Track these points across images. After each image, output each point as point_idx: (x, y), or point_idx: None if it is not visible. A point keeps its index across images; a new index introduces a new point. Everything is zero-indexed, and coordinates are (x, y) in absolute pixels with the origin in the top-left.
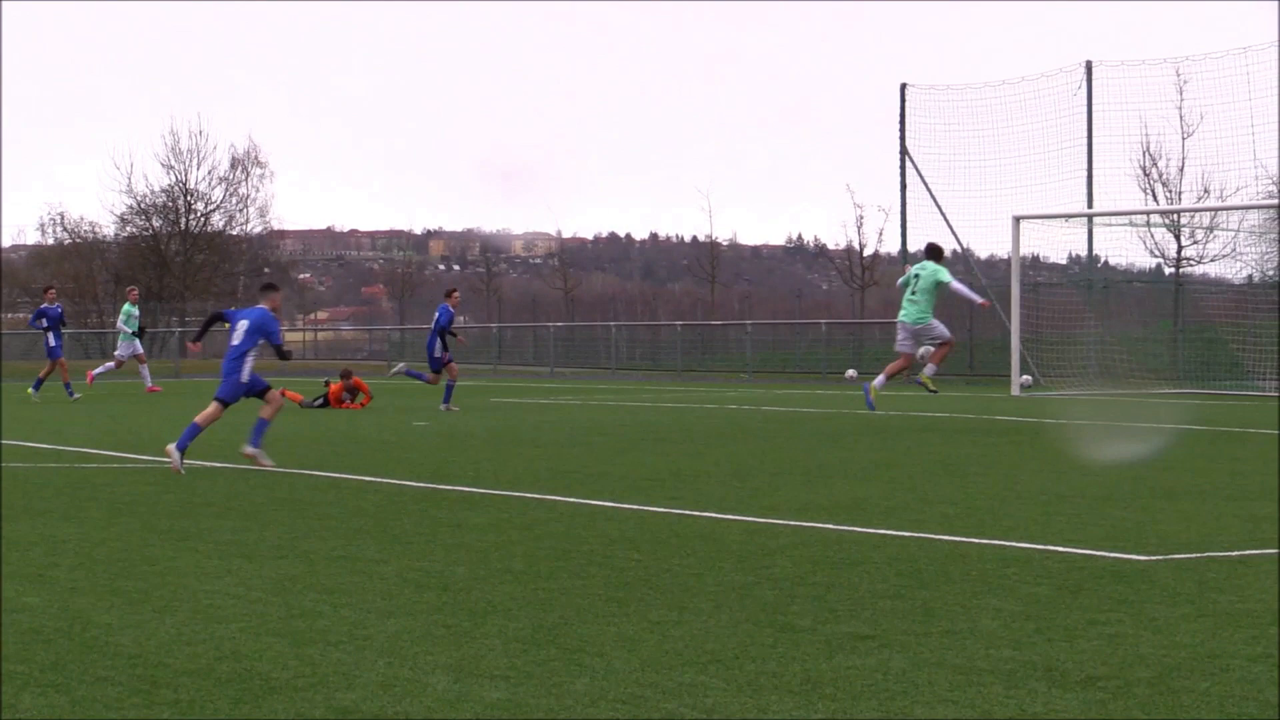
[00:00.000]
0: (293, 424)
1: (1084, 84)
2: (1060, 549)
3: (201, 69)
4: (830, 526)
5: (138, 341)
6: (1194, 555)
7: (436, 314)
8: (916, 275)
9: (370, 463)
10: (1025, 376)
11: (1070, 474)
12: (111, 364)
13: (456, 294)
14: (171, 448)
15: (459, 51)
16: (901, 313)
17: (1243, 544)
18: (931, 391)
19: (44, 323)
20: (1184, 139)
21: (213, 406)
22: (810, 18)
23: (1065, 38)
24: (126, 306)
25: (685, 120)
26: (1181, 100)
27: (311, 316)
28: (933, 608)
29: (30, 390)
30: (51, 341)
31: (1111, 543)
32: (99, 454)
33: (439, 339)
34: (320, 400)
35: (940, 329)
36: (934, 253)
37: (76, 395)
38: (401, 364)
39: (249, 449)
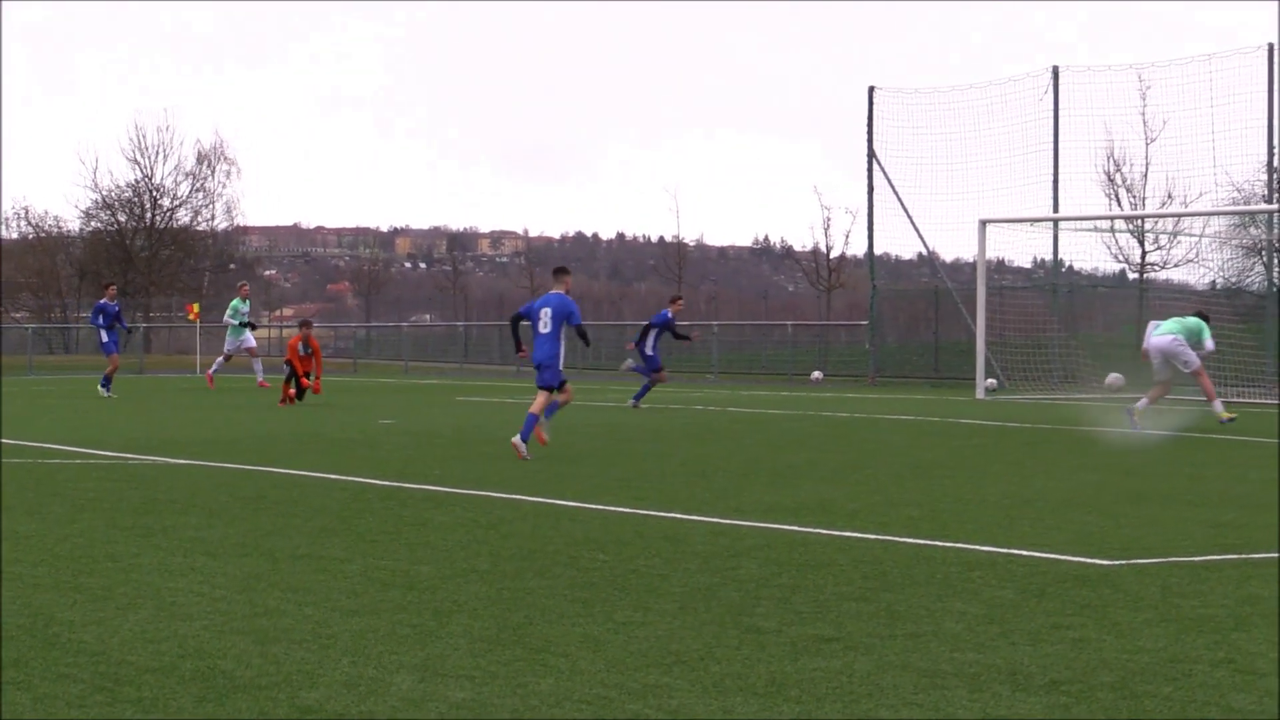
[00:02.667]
0: (258, 421)
1: (1050, 89)
2: (1024, 553)
3: (169, 64)
4: (796, 528)
5: (248, 334)
6: (1157, 560)
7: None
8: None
9: (335, 460)
10: (990, 380)
11: (1035, 478)
12: (221, 359)
13: (681, 301)
14: (515, 439)
15: (427, 47)
16: (1157, 329)
17: (1206, 549)
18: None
19: (102, 319)
20: (1148, 144)
21: (541, 395)
22: (779, 19)
23: (1032, 43)
24: (235, 302)
25: (653, 120)
26: (1145, 106)
27: (277, 313)
28: (897, 610)
29: (100, 389)
30: (105, 338)
31: (1075, 547)
32: (62, 450)
33: (653, 339)
34: (288, 374)
35: (1194, 359)
36: (1204, 316)
37: (113, 395)
38: (629, 360)
39: (516, 439)
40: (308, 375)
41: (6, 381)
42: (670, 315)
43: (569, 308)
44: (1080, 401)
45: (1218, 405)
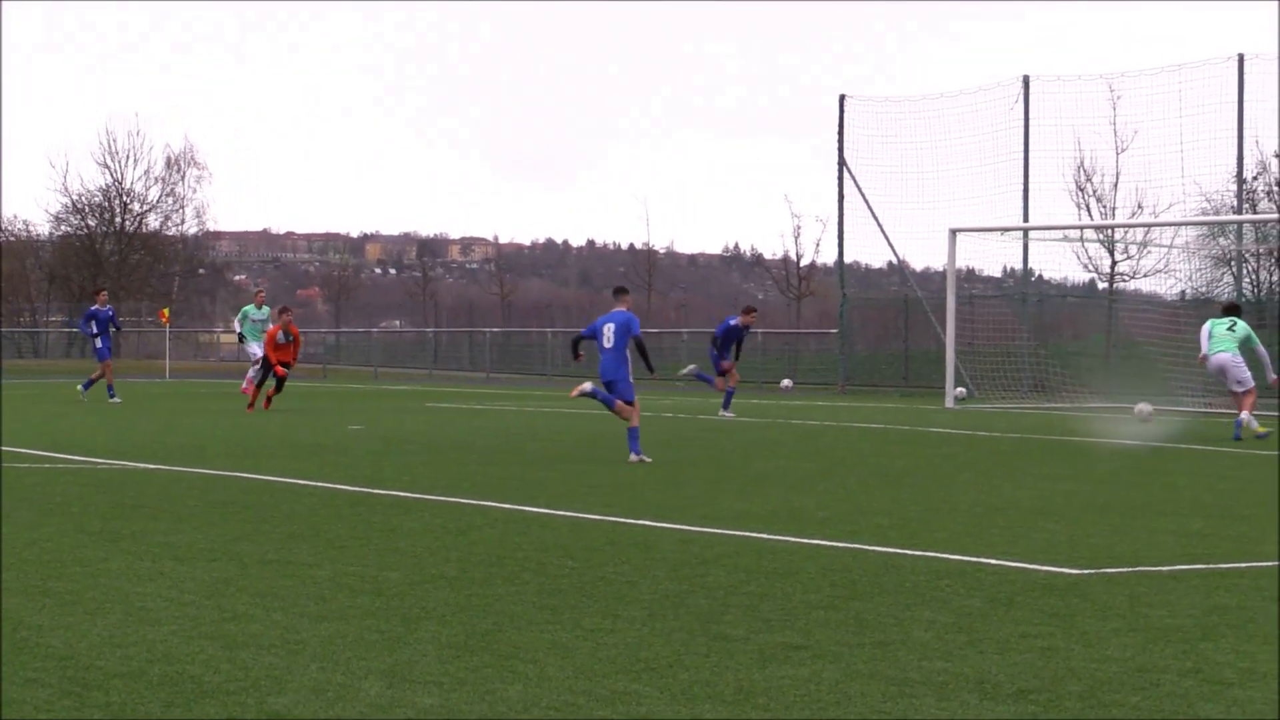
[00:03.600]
0: (227, 426)
1: (1020, 98)
2: (993, 561)
3: (139, 68)
4: (765, 536)
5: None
6: (1126, 569)
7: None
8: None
9: (304, 466)
10: (960, 389)
11: (1003, 486)
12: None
13: (755, 313)
14: (632, 457)
15: (398, 53)
16: (1215, 345)
17: (1174, 559)
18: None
19: (94, 326)
20: (1118, 154)
21: (621, 405)
22: (750, 26)
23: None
24: (249, 308)
25: (624, 126)
26: (1115, 115)
27: None
28: (866, 619)
29: (80, 389)
30: (99, 344)
31: (1044, 556)
32: (30, 454)
33: (724, 346)
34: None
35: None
36: (1236, 309)
37: (117, 398)
38: (693, 365)
39: (634, 459)
40: (285, 365)
41: None
42: (735, 323)
43: (631, 322)
44: (1050, 410)
45: (1252, 420)
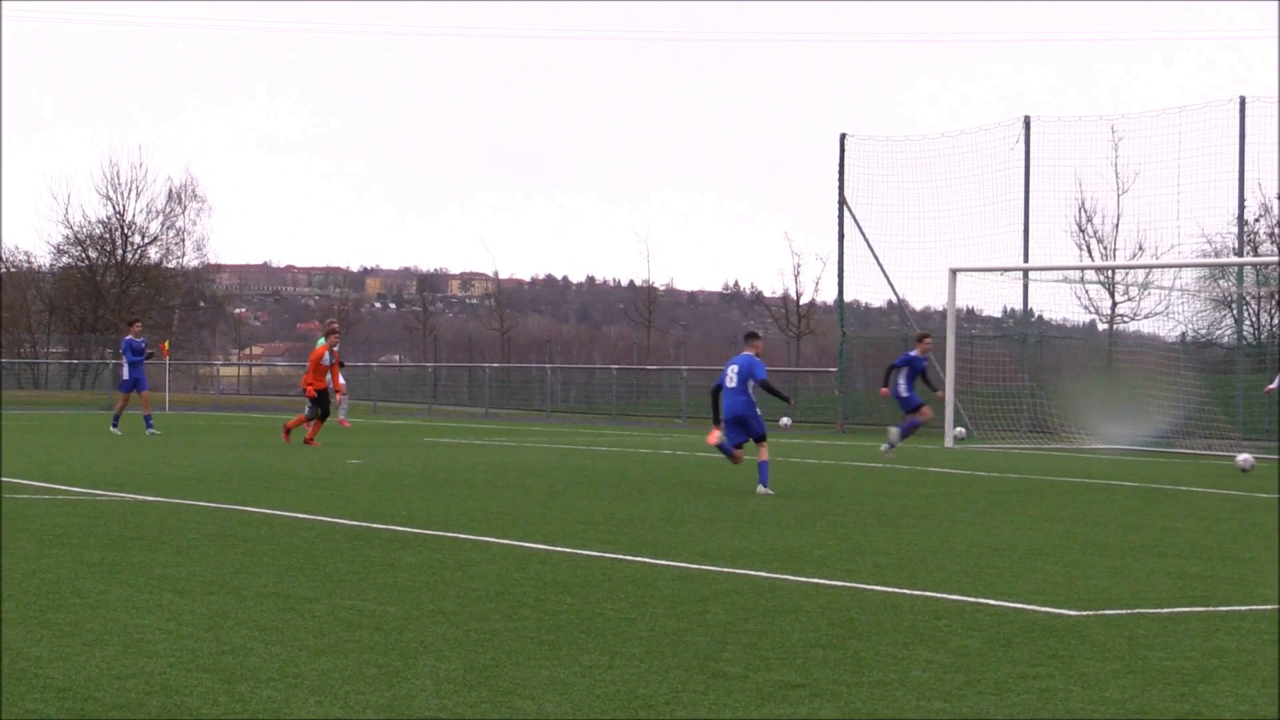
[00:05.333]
0: (226, 458)
1: (1022, 138)
2: (991, 602)
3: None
4: (763, 574)
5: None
6: (1124, 611)
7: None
8: None
9: (303, 500)
10: (959, 429)
11: (1002, 527)
12: (342, 400)
13: (929, 340)
14: (760, 489)
15: (401, 92)
16: None
17: (1173, 601)
18: None
19: (130, 354)
20: (1119, 195)
21: (715, 434)
22: (752, 65)
23: (1004, 93)
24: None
25: (624, 164)
26: (1116, 157)
27: (246, 351)
28: (864, 658)
29: (150, 430)
30: (125, 375)
31: (1043, 597)
32: (30, 485)
33: (905, 380)
34: (314, 399)
35: None
36: None
37: (118, 430)
38: (892, 434)
39: (761, 488)
40: (321, 391)
41: None
42: (915, 355)
43: (755, 366)
44: (1049, 451)
45: None
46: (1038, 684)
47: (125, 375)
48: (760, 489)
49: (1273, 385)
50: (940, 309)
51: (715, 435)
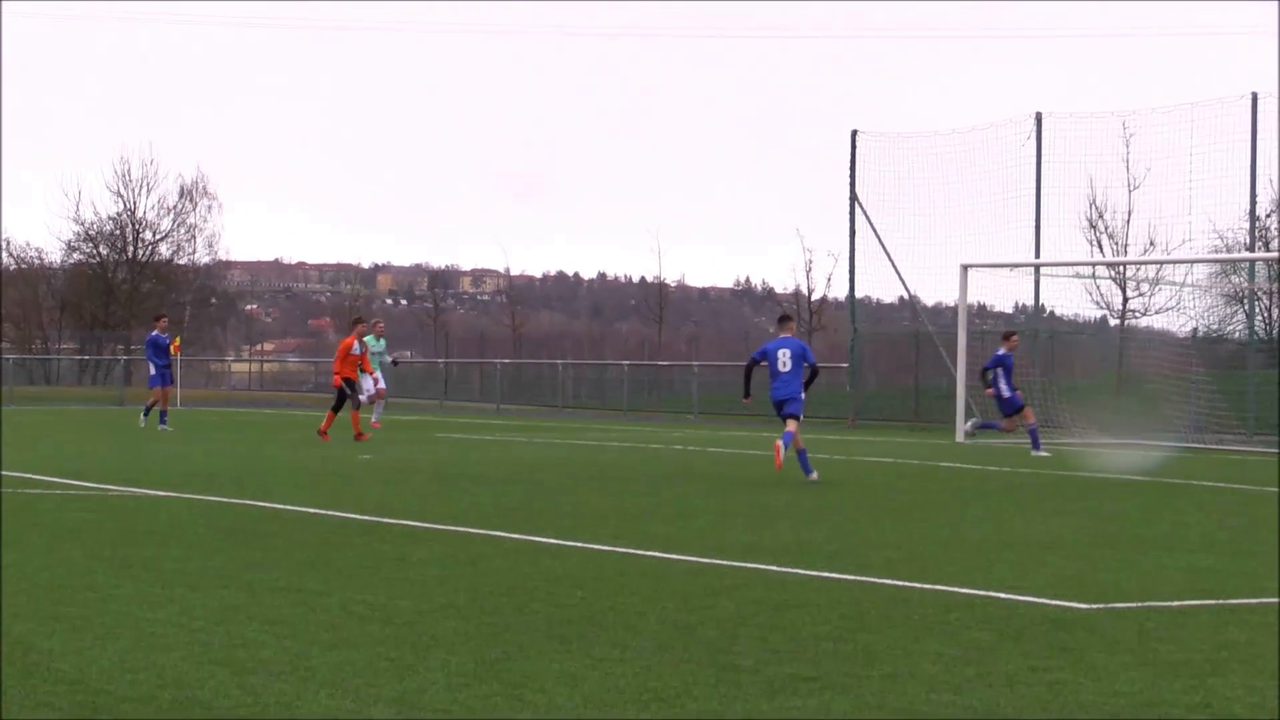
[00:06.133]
0: (238, 454)
1: (1033, 134)
2: (1002, 595)
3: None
4: (774, 568)
5: (380, 375)
6: (1135, 604)
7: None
8: None
9: (314, 495)
10: (970, 423)
11: (1013, 521)
12: (378, 401)
13: (1016, 338)
14: (812, 477)
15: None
16: None
17: (1183, 594)
18: None
19: (153, 352)
20: (1130, 191)
21: (792, 424)
22: (763, 61)
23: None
24: (369, 339)
25: (636, 160)
26: (1128, 153)
27: (258, 347)
28: (875, 651)
29: (141, 419)
30: (153, 370)
31: (1053, 590)
32: (42, 480)
33: (1004, 379)
34: (343, 390)
35: None
36: None
37: (168, 428)
38: (974, 419)
39: (812, 477)
40: (349, 382)
41: None
42: (1003, 353)
43: (806, 349)
44: (1060, 446)
45: None
46: (1048, 677)
47: (153, 370)
48: (813, 475)
49: None
50: (952, 305)
51: (793, 426)
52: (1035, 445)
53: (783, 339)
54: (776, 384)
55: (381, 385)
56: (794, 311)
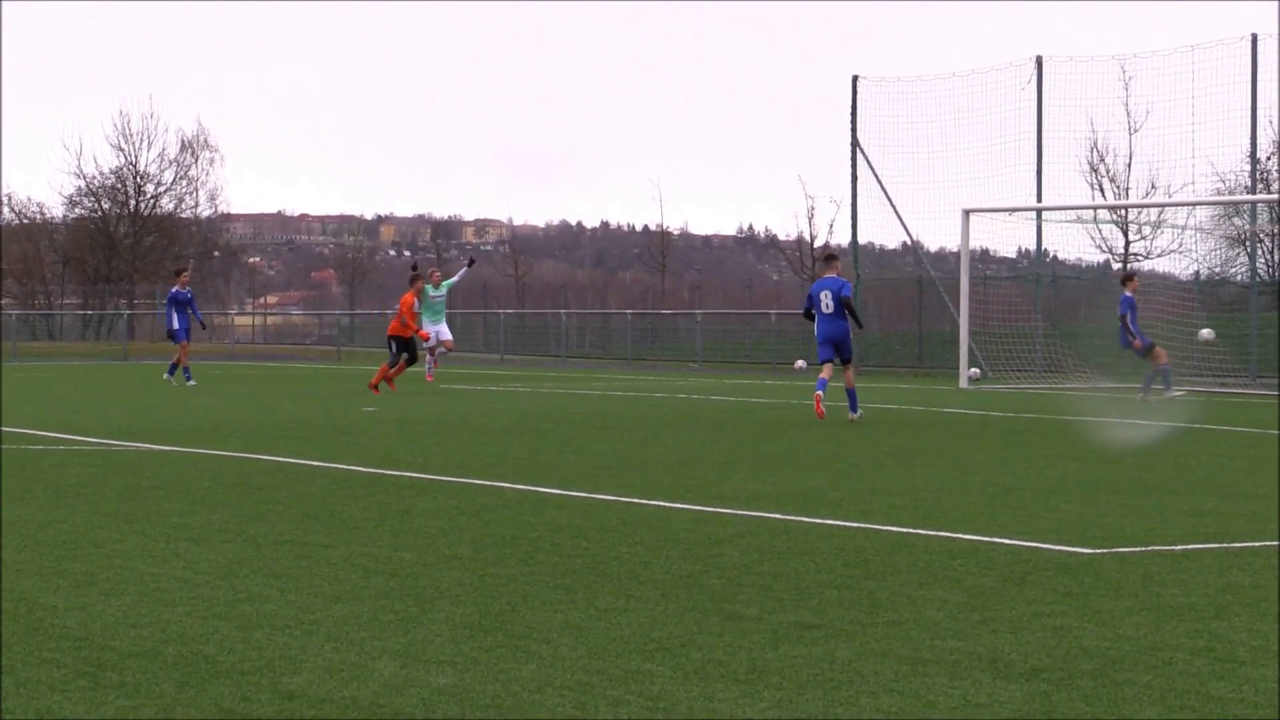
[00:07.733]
0: (241, 407)
1: (1034, 78)
2: (1006, 541)
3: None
4: (778, 516)
5: (443, 324)
6: (1138, 549)
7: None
8: None
9: (318, 447)
10: (974, 369)
11: (1017, 466)
12: (433, 354)
13: (1136, 278)
14: (853, 416)
15: (413, 38)
16: None
17: (1186, 538)
18: None
19: (174, 311)
20: (1131, 135)
21: (828, 370)
22: (764, 8)
23: (1016, 32)
24: (427, 287)
25: (638, 109)
26: (1128, 96)
27: (261, 300)
28: (879, 598)
29: (168, 377)
30: (175, 324)
31: (1057, 535)
32: (45, 436)
33: (1132, 322)
34: (398, 350)
35: None
36: None
37: (194, 382)
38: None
39: (852, 415)
40: (400, 342)
41: None
42: (1128, 296)
43: (844, 286)
44: (1063, 391)
45: None
46: (1052, 621)
47: (176, 324)
48: (853, 415)
49: None
50: (954, 250)
51: (829, 372)
52: (1167, 386)
53: (825, 279)
54: (822, 324)
55: (446, 336)
56: (840, 250)
